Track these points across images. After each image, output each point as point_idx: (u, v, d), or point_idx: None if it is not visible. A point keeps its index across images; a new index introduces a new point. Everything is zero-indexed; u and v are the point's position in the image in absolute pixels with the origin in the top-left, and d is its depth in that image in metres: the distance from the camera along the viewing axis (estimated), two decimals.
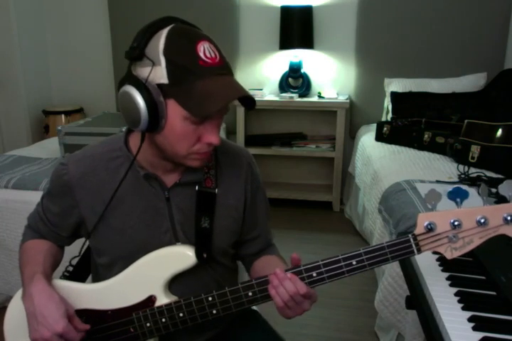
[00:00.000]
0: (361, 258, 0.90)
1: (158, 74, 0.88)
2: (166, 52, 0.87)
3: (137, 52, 0.89)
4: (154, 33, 0.89)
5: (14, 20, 3.59)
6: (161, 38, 0.88)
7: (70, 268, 1.19)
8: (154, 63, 0.87)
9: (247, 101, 0.95)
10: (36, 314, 0.94)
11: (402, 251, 0.89)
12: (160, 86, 0.88)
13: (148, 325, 1.00)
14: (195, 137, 0.93)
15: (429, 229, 0.88)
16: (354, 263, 0.90)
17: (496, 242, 0.91)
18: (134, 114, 0.89)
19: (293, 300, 0.89)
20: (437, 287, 1.05)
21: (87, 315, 1.03)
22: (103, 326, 1.02)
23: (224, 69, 0.91)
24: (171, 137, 0.92)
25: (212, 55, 0.89)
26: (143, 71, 0.89)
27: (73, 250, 1.15)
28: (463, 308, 0.97)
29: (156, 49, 0.88)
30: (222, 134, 3.56)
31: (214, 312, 0.96)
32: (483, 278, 1.10)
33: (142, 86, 0.88)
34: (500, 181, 1.99)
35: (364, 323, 2.19)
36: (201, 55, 0.87)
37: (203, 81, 0.87)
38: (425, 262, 1.17)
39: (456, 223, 0.87)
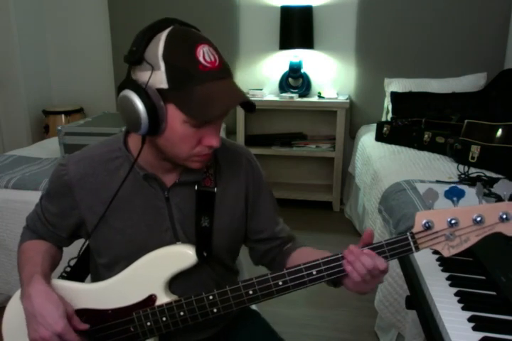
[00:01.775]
0: None
1: (158, 78, 0.87)
2: (166, 57, 0.87)
3: (136, 57, 0.88)
4: (153, 36, 0.89)
5: (14, 20, 3.59)
6: (160, 42, 0.88)
7: (68, 269, 1.19)
8: (154, 68, 0.87)
9: (248, 104, 0.95)
10: (35, 314, 0.94)
11: (400, 249, 0.90)
12: (160, 90, 0.88)
13: (148, 324, 1.00)
14: (196, 140, 0.93)
15: (427, 227, 0.89)
16: None
17: (496, 242, 0.92)
18: (134, 119, 0.89)
19: (370, 274, 0.89)
20: (437, 287, 1.06)
21: (87, 314, 1.03)
22: (103, 325, 1.02)
23: (223, 72, 0.91)
24: (172, 140, 0.92)
25: (212, 59, 0.89)
26: (142, 75, 0.89)
27: (72, 251, 1.15)
28: (463, 308, 0.97)
29: (156, 53, 0.87)
30: (222, 134, 3.55)
31: (215, 310, 0.96)
32: (483, 278, 1.10)
33: (142, 91, 0.88)
34: None
35: (364, 323, 2.19)
36: (201, 59, 0.87)
37: (203, 86, 0.87)
38: (425, 262, 1.17)
39: (453, 221, 0.88)
